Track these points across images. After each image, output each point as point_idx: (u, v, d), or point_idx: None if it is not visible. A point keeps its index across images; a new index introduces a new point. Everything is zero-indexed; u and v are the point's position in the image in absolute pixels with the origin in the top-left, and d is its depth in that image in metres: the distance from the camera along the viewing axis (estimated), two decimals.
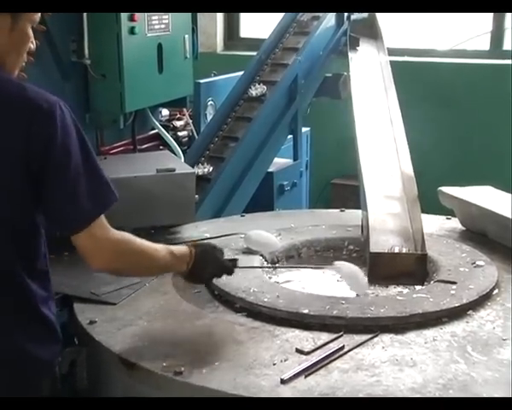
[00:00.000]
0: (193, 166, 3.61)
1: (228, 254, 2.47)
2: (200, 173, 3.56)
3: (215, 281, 2.25)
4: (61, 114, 1.74)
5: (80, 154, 1.76)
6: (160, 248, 1.98)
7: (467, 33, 5.71)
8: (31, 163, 1.71)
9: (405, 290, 2.35)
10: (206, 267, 2.08)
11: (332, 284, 2.47)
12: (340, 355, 1.89)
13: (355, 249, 2.73)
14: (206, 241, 2.20)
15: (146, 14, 3.26)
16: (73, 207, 1.77)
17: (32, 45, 1.85)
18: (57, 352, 1.88)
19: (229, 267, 2.16)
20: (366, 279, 2.31)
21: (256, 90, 4.01)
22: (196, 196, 3.04)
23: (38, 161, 1.71)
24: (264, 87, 4.03)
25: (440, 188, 2.93)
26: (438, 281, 2.32)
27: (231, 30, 6.39)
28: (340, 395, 1.71)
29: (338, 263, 2.33)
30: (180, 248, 2.05)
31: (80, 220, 1.79)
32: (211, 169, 3.63)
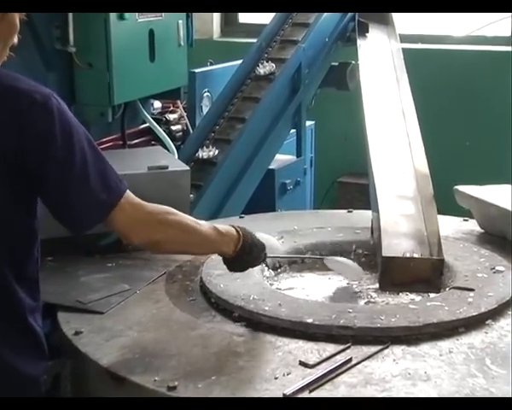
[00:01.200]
0: (197, 149, 3.67)
1: None
2: (205, 157, 3.60)
3: (212, 288, 2.25)
4: (57, 105, 1.74)
5: (85, 142, 1.79)
6: (201, 222, 2.00)
7: (486, 18, 5.71)
8: (26, 161, 1.70)
9: (418, 298, 2.36)
10: (251, 254, 2.11)
11: (339, 291, 2.48)
12: (348, 368, 1.89)
13: (364, 254, 2.73)
14: None
15: None
16: (87, 200, 1.78)
17: (16, 39, 1.85)
18: (43, 369, 1.88)
19: (266, 254, 2.21)
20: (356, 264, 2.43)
21: (264, 68, 4.04)
22: (191, 195, 3.05)
23: (35, 158, 1.70)
24: (273, 65, 4.05)
25: (457, 187, 2.94)
26: (454, 288, 2.33)
27: (229, 15, 6.40)
28: None
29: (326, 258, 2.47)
30: (226, 228, 2.07)
31: (97, 213, 1.80)
32: (216, 152, 3.66)
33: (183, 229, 1.94)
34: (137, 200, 1.90)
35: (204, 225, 1.99)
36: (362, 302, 2.39)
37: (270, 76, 4.03)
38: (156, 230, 1.88)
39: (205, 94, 4.21)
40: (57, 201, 1.76)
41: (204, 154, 3.66)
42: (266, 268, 2.58)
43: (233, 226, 2.10)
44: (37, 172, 1.71)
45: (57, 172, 1.73)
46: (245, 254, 2.09)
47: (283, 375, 1.86)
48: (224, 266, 2.22)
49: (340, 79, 4.51)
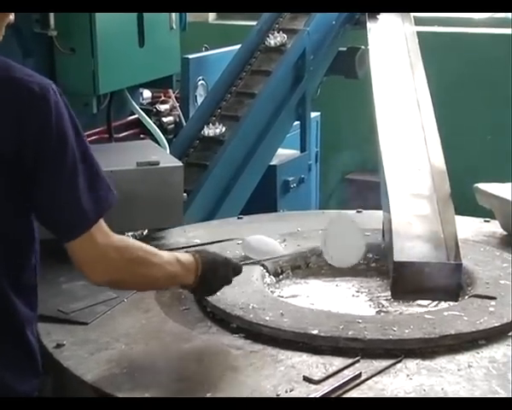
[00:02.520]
0: (202, 126, 3.71)
1: None
2: (211, 134, 3.66)
3: (207, 298, 2.26)
4: (55, 98, 1.74)
5: (76, 144, 1.78)
6: (167, 255, 2.02)
7: None
8: (24, 158, 1.71)
9: (435, 307, 2.37)
10: (216, 275, 2.13)
11: (346, 299, 2.48)
12: (357, 384, 1.90)
13: (374, 258, 2.74)
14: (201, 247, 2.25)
15: None
16: (71, 207, 1.77)
17: (12, 15, 1.83)
18: (36, 387, 1.88)
19: (239, 265, 2.24)
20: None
21: (275, 39, 4.06)
22: (185, 194, 3.06)
23: (33, 155, 1.71)
24: (285, 36, 4.08)
25: (477, 184, 2.94)
26: (474, 296, 2.33)
27: None
28: None
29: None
30: (184, 256, 2.10)
31: (79, 224, 1.79)
32: (223, 129, 3.71)
33: (150, 266, 1.95)
34: (107, 228, 1.87)
35: (170, 259, 2.01)
36: (372, 312, 2.40)
37: (282, 47, 4.06)
38: (120, 269, 1.89)
39: (199, 82, 4.22)
40: (43, 203, 1.76)
41: (210, 131, 3.71)
42: (267, 274, 2.59)
43: (191, 253, 2.13)
44: (31, 171, 1.72)
45: (48, 172, 1.73)
46: (207, 280, 2.12)
47: (286, 391, 1.86)
48: None
49: (349, 65, 4.52)
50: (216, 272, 2.14)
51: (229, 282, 2.21)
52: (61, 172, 1.75)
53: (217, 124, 3.76)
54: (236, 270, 2.23)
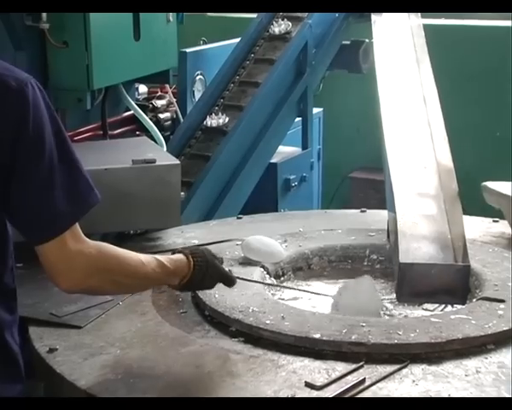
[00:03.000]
0: (205, 117, 3.74)
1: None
2: (213, 125, 3.68)
3: (205, 299, 2.26)
4: (33, 93, 1.74)
5: (54, 141, 1.76)
6: (147, 260, 1.98)
7: None
8: (1, 155, 1.71)
9: (441, 310, 2.37)
10: (203, 280, 2.13)
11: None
12: (361, 391, 1.89)
13: (379, 259, 2.75)
14: (201, 247, 2.24)
15: None
16: (46, 207, 1.75)
17: None
18: (20, 393, 1.87)
19: (232, 278, 2.22)
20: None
21: (279, 27, 4.07)
22: (182, 193, 3.06)
23: (8, 151, 1.71)
24: (289, 23, 4.09)
25: (485, 183, 2.94)
26: (482, 299, 2.34)
27: None
28: None
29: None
30: (175, 260, 2.08)
31: (53, 225, 1.77)
32: (227, 120, 3.74)
33: (124, 273, 1.92)
34: (81, 234, 1.84)
35: (149, 265, 1.98)
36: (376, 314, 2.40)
37: (286, 35, 4.08)
38: (92, 276, 1.85)
39: (197, 77, 4.23)
40: (15, 202, 1.75)
41: (213, 121, 3.74)
42: (268, 276, 2.59)
43: (185, 254, 2.11)
44: (6, 168, 1.71)
45: (23, 169, 1.72)
46: (194, 283, 2.12)
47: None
48: None
49: (352, 60, 4.52)
50: (202, 282, 2.13)
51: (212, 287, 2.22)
52: (37, 170, 1.73)
53: (220, 114, 3.77)
54: (229, 284, 2.22)
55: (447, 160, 2.87)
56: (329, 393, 1.87)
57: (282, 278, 2.66)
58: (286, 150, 4.31)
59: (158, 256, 2.03)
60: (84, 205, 1.82)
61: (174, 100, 4.08)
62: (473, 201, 2.92)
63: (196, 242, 2.87)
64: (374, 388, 1.91)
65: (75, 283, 1.84)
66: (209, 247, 2.56)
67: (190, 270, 2.08)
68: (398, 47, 3.67)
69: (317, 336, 2.10)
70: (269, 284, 2.52)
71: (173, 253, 2.14)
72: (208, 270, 2.13)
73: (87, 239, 1.85)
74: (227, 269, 2.29)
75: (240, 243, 2.70)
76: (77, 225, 1.82)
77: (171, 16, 3.63)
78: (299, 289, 2.56)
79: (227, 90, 3.95)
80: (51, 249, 1.79)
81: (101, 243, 1.90)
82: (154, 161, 2.87)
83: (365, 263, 2.75)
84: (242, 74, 4.01)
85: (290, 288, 2.57)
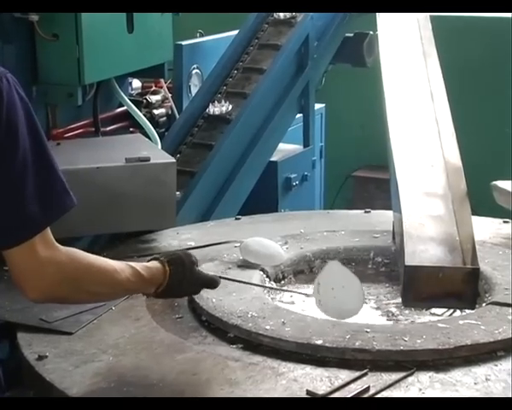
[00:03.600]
0: (207, 104, 3.79)
1: (217, 269, 2.49)
2: (216, 113, 3.75)
3: (202, 304, 2.26)
4: (8, 89, 1.73)
5: (29, 140, 1.74)
6: (121, 268, 1.96)
7: None
8: None
9: (449, 315, 2.37)
10: (181, 287, 2.12)
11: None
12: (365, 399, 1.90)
13: (384, 262, 2.75)
14: (181, 251, 2.23)
15: None
16: (15, 209, 1.72)
17: None
18: None
19: (214, 280, 2.22)
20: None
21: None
22: (178, 192, 3.06)
23: None
24: None
25: (495, 182, 2.95)
26: (492, 303, 2.34)
27: None
28: None
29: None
30: (151, 268, 2.06)
31: (22, 229, 1.74)
32: (230, 107, 3.79)
33: (95, 282, 1.91)
34: (52, 239, 1.81)
35: (122, 272, 1.96)
36: (381, 321, 2.40)
37: (292, 20, 4.09)
38: (61, 286, 1.83)
39: (194, 71, 4.23)
40: None
41: (216, 109, 3.79)
42: (267, 280, 2.59)
43: (161, 262, 2.09)
44: None
45: None
46: (172, 290, 2.11)
47: None
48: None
49: (356, 53, 4.52)
50: (180, 288, 2.12)
51: (196, 293, 2.24)
52: (8, 170, 1.71)
53: (223, 101, 3.83)
54: (213, 287, 2.22)
55: (455, 158, 2.88)
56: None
57: (283, 282, 2.66)
58: (287, 148, 4.31)
59: (133, 264, 2.01)
60: (57, 209, 1.78)
61: (169, 95, 4.08)
62: (482, 201, 2.92)
63: (192, 243, 2.87)
64: (378, 396, 1.91)
65: (43, 291, 1.82)
66: (204, 250, 2.58)
67: (166, 278, 2.07)
68: (404, 40, 3.67)
69: (320, 342, 2.10)
70: (255, 285, 2.50)
71: (150, 260, 2.12)
72: (186, 277, 2.12)
73: (59, 245, 1.82)
74: (226, 270, 2.29)
75: (238, 245, 2.70)
76: (48, 230, 1.79)
77: None
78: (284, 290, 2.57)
79: (230, 76, 3.99)
80: (20, 255, 1.76)
81: (73, 249, 1.87)
82: (148, 160, 2.88)
83: (370, 266, 2.75)
84: (246, 60, 4.05)
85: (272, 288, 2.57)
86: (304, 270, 2.73)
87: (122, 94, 3.67)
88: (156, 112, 3.98)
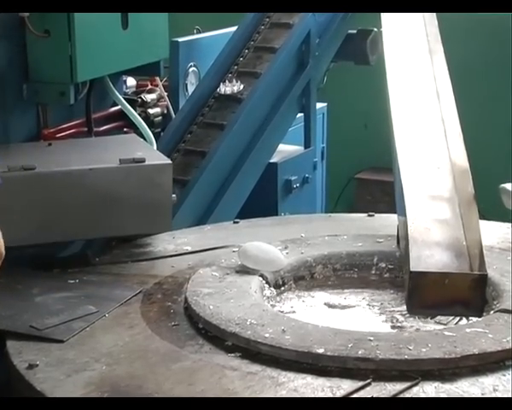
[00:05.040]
0: (218, 84, 3.88)
1: (217, 273, 2.49)
2: (228, 92, 3.84)
3: (199, 311, 2.26)
4: None
5: None
6: None
7: None
8: None
9: (456, 323, 2.37)
10: None
11: (356, 313, 2.49)
12: None
13: (388, 268, 2.75)
14: None
15: None
16: None
17: None
18: None
19: None
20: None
21: None
22: (174, 195, 3.06)
23: None
24: None
25: (503, 185, 2.94)
26: (500, 311, 2.34)
27: None
28: None
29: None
30: None
31: None
32: (241, 87, 3.87)
33: None
34: None
35: None
36: (385, 328, 2.40)
37: None
38: None
39: (190, 69, 4.23)
40: None
41: (227, 89, 3.88)
42: (267, 286, 2.59)
43: None
44: None
45: None
46: None
47: None
48: (215, 284, 2.23)
49: (359, 50, 4.52)
50: None
51: None
52: None
53: (234, 81, 3.90)
54: None
55: (462, 159, 2.88)
56: None
57: (283, 288, 2.66)
58: (287, 149, 4.31)
59: None
60: None
61: (165, 94, 4.08)
62: (490, 204, 2.92)
63: (189, 248, 2.87)
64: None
65: None
66: (201, 255, 2.57)
67: None
68: (410, 36, 3.67)
69: (321, 351, 2.10)
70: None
71: None
72: None
73: None
74: (224, 275, 2.29)
75: (236, 249, 2.70)
76: None
77: None
78: None
79: (241, 56, 4.05)
80: None
81: None
82: (143, 161, 2.88)
83: (373, 272, 2.75)
84: (257, 40, 4.11)
85: None
86: (304, 276, 2.73)
87: (116, 92, 3.67)
88: (151, 111, 3.98)
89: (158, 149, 3.49)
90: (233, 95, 3.85)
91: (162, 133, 3.91)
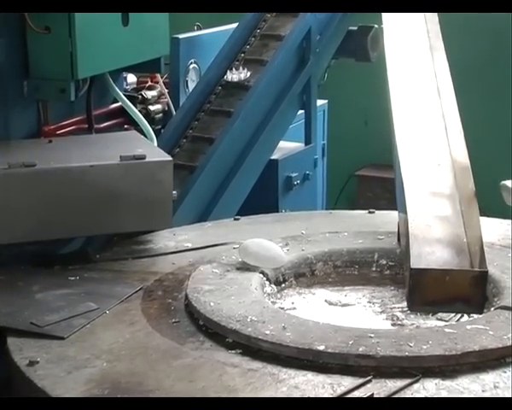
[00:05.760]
0: (225, 72, 3.92)
1: (218, 270, 2.49)
2: (235, 79, 3.88)
3: (200, 308, 2.26)
4: None
5: None
6: None
7: None
8: None
9: (456, 320, 2.37)
10: None
11: (357, 310, 2.49)
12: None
13: (388, 265, 2.75)
14: None
15: None
16: None
17: None
18: None
19: None
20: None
21: None
22: (174, 192, 3.06)
23: None
24: None
25: (504, 182, 2.95)
26: (500, 308, 2.34)
27: None
28: None
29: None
30: None
31: None
32: (248, 74, 3.92)
33: None
34: None
35: None
36: (386, 325, 2.40)
37: None
38: None
39: (191, 65, 4.23)
40: None
41: (234, 76, 3.92)
42: (267, 283, 2.59)
43: None
44: None
45: None
46: None
47: None
48: (216, 281, 2.23)
49: (360, 47, 4.52)
50: None
51: None
52: None
53: (240, 68, 3.94)
54: None
55: (463, 156, 2.88)
56: None
57: (283, 285, 2.66)
58: (287, 146, 4.31)
59: None
60: None
61: (166, 91, 4.08)
62: (491, 201, 2.92)
63: (189, 245, 2.87)
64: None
65: None
66: (202, 252, 2.57)
67: None
68: (410, 33, 3.67)
69: (322, 347, 2.10)
70: None
71: None
72: None
73: None
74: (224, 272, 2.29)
75: (237, 246, 2.70)
76: None
77: None
78: None
79: (248, 44, 4.08)
80: None
81: None
82: (143, 157, 2.88)
83: (374, 269, 2.75)
84: (264, 27, 4.13)
85: None
86: (305, 273, 2.73)
87: (116, 89, 3.67)
88: (152, 108, 3.98)
89: (158, 145, 3.49)
90: (240, 82, 3.89)
91: (163, 130, 3.91)
